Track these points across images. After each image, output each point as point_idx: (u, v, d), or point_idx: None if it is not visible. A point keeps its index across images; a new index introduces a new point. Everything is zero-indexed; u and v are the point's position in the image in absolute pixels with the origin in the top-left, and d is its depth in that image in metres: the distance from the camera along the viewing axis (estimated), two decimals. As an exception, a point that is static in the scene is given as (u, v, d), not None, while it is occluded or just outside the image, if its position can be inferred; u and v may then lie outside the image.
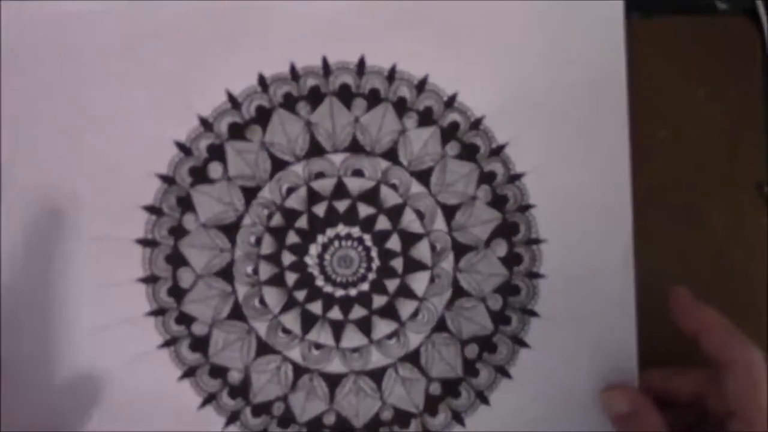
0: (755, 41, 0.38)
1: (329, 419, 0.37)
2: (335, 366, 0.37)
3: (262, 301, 0.36)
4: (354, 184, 0.36)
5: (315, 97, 0.36)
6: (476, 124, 0.37)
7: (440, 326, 0.37)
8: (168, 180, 0.36)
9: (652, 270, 0.37)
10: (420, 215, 0.37)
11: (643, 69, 0.37)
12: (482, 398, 0.37)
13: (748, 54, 0.38)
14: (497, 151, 0.37)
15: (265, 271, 0.36)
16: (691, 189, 0.38)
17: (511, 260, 0.37)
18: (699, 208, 0.38)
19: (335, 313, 0.37)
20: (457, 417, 0.37)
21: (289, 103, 0.36)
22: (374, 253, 0.37)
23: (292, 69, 0.36)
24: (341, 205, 0.36)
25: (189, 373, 0.36)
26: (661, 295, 0.36)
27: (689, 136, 0.38)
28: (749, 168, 0.38)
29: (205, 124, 0.36)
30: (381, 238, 0.37)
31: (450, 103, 0.37)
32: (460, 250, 0.37)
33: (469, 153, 0.37)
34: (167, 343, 0.36)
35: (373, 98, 0.36)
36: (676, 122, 0.38)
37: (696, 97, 0.38)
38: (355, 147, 0.36)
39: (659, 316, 0.36)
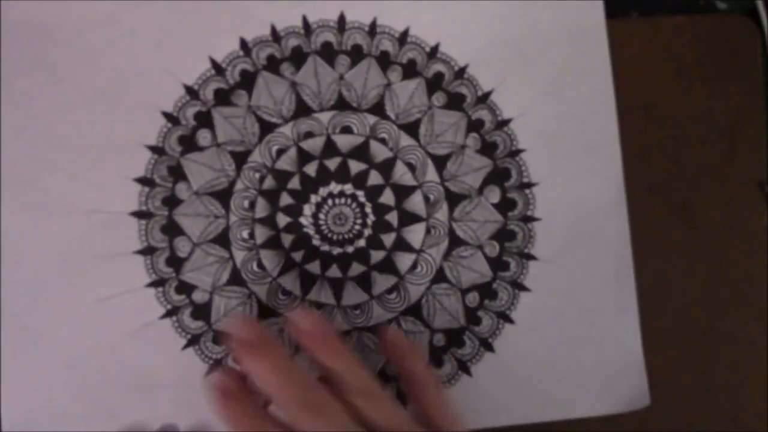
0: (755, 41, 0.38)
1: (336, 378, 0.37)
2: (337, 324, 0.37)
3: (260, 265, 0.36)
4: (343, 141, 0.36)
5: (298, 58, 0.36)
6: (461, 73, 0.37)
7: (439, 277, 0.37)
8: (158, 150, 0.36)
9: (652, 270, 0.37)
10: (411, 167, 0.37)
11: (642, 68, 0.37)
12: (486, 346, 0.37)
13: (748, 54, 0.38)
14: (483, 99, 0.37)
15: (261, 234, 0.36)
16: (691, 188, 0.38)
17: (505, 206, 0.37)
18: (699, 207, 0.38)
19: (334, 272, 0.37)
20: (463, 366, 0.37)
21: (273, 65, 0.36)
22: (368, 209, 0.37)
23: (273, 31, 0.36)
24: (332, 163, 0.36)
25: (193, 341, 0.36)
26: (662, 296, 0.37)
27: (689, 135, 0.38)
28: (749, 167, 0.38)
29: (191, 92, 0.36)
30: (374, 193, 0.37)
31: (433, 54, 0.37)
32: (454, 199, 0.37)
33: (455, 102, 0.37)
34: (169, 313, 0.36)
35: (356, 54, 0.37)
36: (676, 122, 0.38)
37: (696, 97, 0.38)
38: (341, 104, 0.36)
39: (659, 316, 0.37)
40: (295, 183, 0.36)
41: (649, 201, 0.37)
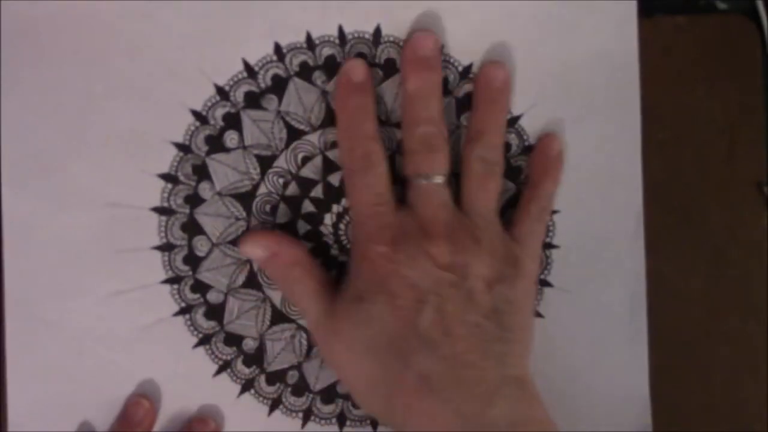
0: (755, 41, 0.38)
1: (343, 388, 0.37)
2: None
3: (277, 270, 0.36)
4: (369, 154, 0.36)
5: (331, 67, 0.36)
6: (491, 95, 0.37)
7: (454, 296, 0.37)
8: (184, 148, 0.36)
9: (651, 270, 0.37)
10: (435, 185, 0.37)
11: (642, 68, 0.37)
12: (495, 367, 0.37)
13: (748, 54, 0.38)
14: (512, 122, 0.37)
15: (280, 240, 0.36)
16: (690, 189, 0.38)
17: (524, 231, 0.37)
18: (698, 208, 0.38)
19: (350, 283, 0.37)
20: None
21: (305, 72, 0.36)
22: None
23: (308, 38, 0.36)
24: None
25: (204, 340, 0.36)
26: (661, 296, 0.37)
27: (689, 135, 0.38)
28: (749, 168, 0.38)
29: (222, 92, 0.36)
30: (396, 207, 0.37)
31: (465, 73, 0.37)
32: (475, 220, 0.37)
33: (483, 124, 0.37)
34: (182, 311, 0.36)
35: (389, 68, 0.37)
36: (675, 122, 0.38)
37: (696, 97, 0.38)
38: (370, 117, 0.36)
39: (659, 316, 0.37)
40: (318, 191, 0.36)
41: (648, 201, 0.37)
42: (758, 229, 0.38)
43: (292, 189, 0.36)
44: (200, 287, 0.36)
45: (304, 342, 0.37)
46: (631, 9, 0.37)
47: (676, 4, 0.38)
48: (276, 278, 0.36)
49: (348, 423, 0.37)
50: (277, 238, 0.35)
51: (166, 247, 0.36)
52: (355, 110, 0.34)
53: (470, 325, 0.32)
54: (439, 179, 0.34)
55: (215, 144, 0.36)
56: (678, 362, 0.37)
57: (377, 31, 0.36)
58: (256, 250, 0.35)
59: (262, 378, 0.37)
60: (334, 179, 0.37)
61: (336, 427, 0.37)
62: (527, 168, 0.37)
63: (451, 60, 0.37)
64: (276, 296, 0.37)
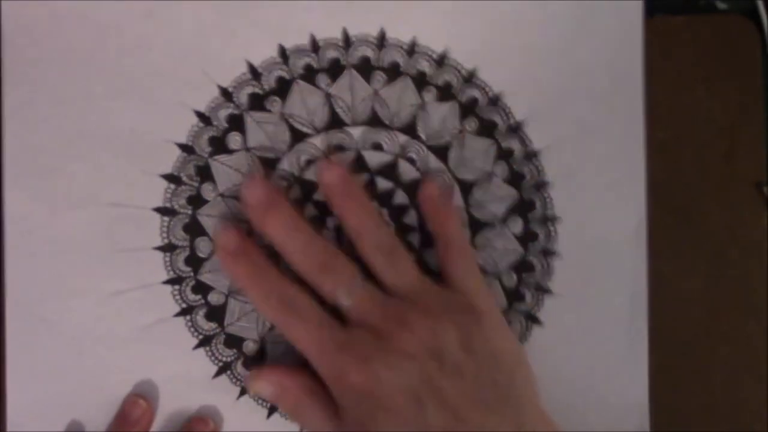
0: (755, 41, 0.38)
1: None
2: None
3: (278, 273, 0.36)
4: (373, 158, 0.37)
5: (335, 70, 0.36)
6: (495, 101, 0.37)
7: (454, 301, 0.37)
8: (187, 149, 0.36)
9: (651, 270, 0.37)
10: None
11: (642, 69, 0.37)
12: (494, 373, 0.37)
13: (748, 54, 0.38)
14: (515, 128, 0.37)
15: (282, 242, 0.36)
16: (690, 189, 0.38)
17: (526, 237, 0.37)
18: (698, 208, 0.38)
19: (351, 286, 0.37)
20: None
21: (309, 74, 0.36)
22: (391, 228, 0.37)
23: (313, 41, 0.36)
24: (359, 179, 0.37)
25: (204, 342, 0.36)
26: (661, 296, 0.37)
27: (688, 136, 0.38)
28: (749, 168, 0.38)
29: (225, 93, 0.36)
30: (398, 212, 0.37)
31: (469, 78, 0.37)
32: (477, 226, 0.37)
33: (487, 129, 0.37)
34: (183, 312, 0.36)
35: (393, 72, 0.37)
36: (675, 122, 0.38)
37: (695, 97, 0.38)
38: (374, 120, 0.37)
39: (659, 316, 0.37)
40: (320, 195, 0.36)
41: (648, 201, 0.37)
42: (758, 229, 0.38)
43: (295, 192, 0.36)
44: (201, 288, 0.36)
45: (305, 344, 0.37)
46: (637, 14, 0.37)
47: (676, 4, 0.38)
48: (287, 410, 0.35)
49: (347, 426, 0.37)
50: (284, 372, 0.34)
51: (168, 248, 0.36)
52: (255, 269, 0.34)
53: (472, 397, 0.31)
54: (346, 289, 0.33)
55: (218, 145, 0.36)
56: (678, 362, 0.37)
57: (382, 34, 0.36)
58: (267, 388, 0.34)
59: (262, 380, 0.37)
60: (337, 182, 0.36)
61: None
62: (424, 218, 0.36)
63: (456, 65, 0.37)
64: (277, 298, 0.37)
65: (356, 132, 0.36)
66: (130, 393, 0.36)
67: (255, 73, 0.36)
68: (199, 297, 0.36)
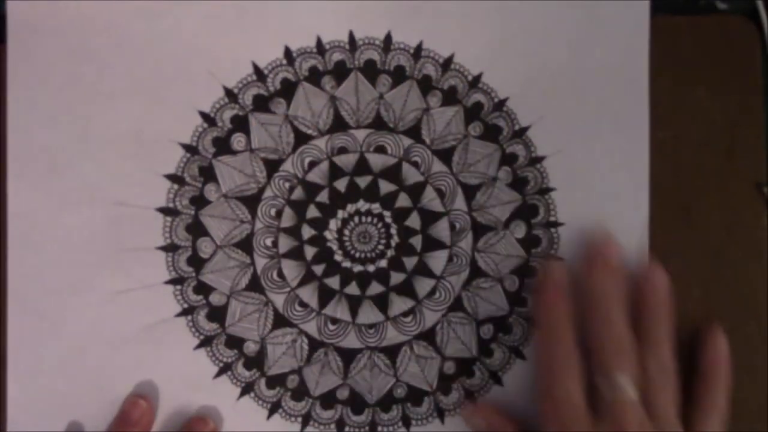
0: (755, 41, 0.38)
1: (342, 394, 0.37)
2: (350, 341, 0.37)
3: (280, 274, 0.37)
4: (376, 160, 0.37)
5: (340, 72, 0.36)
6: (500, 106, 0.37)
7: (456, 306, 0.37)
8: (191, 149, 0.36)
9: None
10: (440, 194, 0.37)
11: None
12: (495, 378, 0.37)
13: (748, 54, 0.38)
14: (520, 133, 0.37)
15: (285, 244, 0.36)
16: (690, 189, 0.38)
17: (529, 242, 0.37)
18: (698, 208, 0.38)
19: (352, 289, 0.37)
20: (471, 397, 0.37)
21: (314, 76, 0.36)
22: (393, 231, 0.37)
23: (318, 43, 0.36)
24: (362, 181, 0.37)
25: (205, 342, 0.36)
26: None
27: (689, 136, 0.38)
28: (749, 168, 0.38)
29: (230, 94, 0.36)
30: (401, 215, 0.37)
31: (474, 83, 0.37)
32: (479, 230, 0.37)
33: (491, 134, 0.37)
34: (185, 312, 0.36)
35: (398, 75, 0.37)
36: (675, 122, 0.38)
37: (695, 97, 0.38)
38: (378, 123, 0.37)
39: None
40: (323, 197, 0.36)
41: (648, 201, 0.37)
42: (758, 229, 0.38)
43: (298, 193, 0.36)
44: (203, 289, 0.36)
45: (305, 347, 0.37)
46: (644, 20, 0.37)
47: (676, 4, 0.38)
48: None
49: (347, 429, 0.37)
50: (499, 417, 0.36)
51: (171, 248, 0.36)
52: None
53: None
54: (629, 386, 0.33)
55: (222, 146, 0.36)
56: (678, 362, 0.36)
57: (388, 38, 0.36)
58: (481, 423, 0.36)
59: (262, 381, 0.37)
60: (340, 185, 0.37)
61: (334, 433, 0.37)
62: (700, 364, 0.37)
63: (462, 70, 0.37)
64: (278, 300, 0.37)
65: (360, 135, 0.36)
66: (130, 393, 0.36)
67: (260, 74, 0.36)
68: (200, 297, 0.36)
